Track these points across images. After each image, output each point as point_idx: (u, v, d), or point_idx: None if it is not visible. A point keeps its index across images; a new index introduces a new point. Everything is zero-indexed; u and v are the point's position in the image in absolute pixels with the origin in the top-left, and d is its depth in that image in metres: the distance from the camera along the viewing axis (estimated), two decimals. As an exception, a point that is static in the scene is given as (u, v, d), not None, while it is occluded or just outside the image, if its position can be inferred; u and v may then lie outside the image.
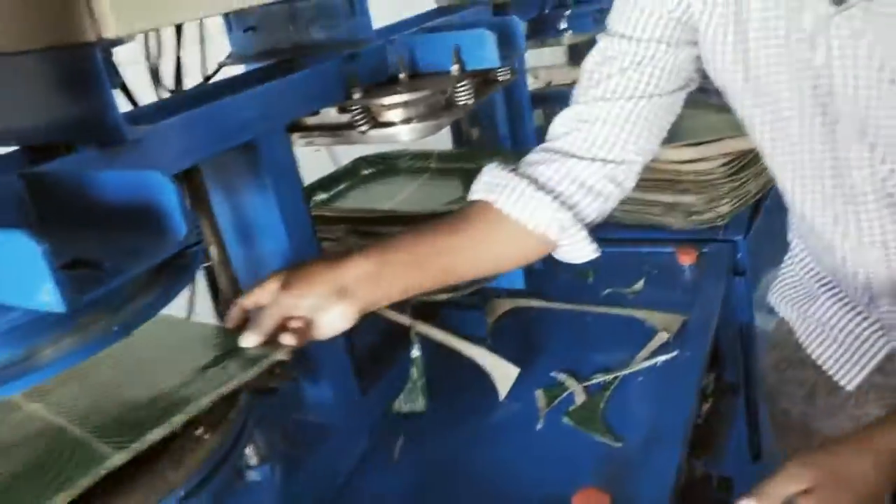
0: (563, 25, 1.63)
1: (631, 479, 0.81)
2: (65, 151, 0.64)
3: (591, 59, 0.81)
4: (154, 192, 0.50)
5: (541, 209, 0.76)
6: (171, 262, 0.54)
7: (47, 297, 0.41)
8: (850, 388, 0.91)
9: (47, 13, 0.55)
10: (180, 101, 0.83)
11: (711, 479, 1.07)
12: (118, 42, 0.68)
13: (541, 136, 1.66)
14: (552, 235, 0.78)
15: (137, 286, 0.52)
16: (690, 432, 0.95)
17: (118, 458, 0.50)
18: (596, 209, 0.80)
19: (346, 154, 1.37)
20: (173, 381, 0.58)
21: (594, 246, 0.82)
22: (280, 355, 0.64)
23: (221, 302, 0.89)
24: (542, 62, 2.00)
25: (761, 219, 1.42)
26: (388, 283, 0.73)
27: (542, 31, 1.63)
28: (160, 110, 0.78)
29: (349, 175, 1.31)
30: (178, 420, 0.54)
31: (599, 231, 1.43)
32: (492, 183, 0.79)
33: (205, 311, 0.98)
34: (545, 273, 1.23)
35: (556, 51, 2.17)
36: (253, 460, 0.69)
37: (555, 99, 1.74)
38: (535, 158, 0.80)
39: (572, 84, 1.76)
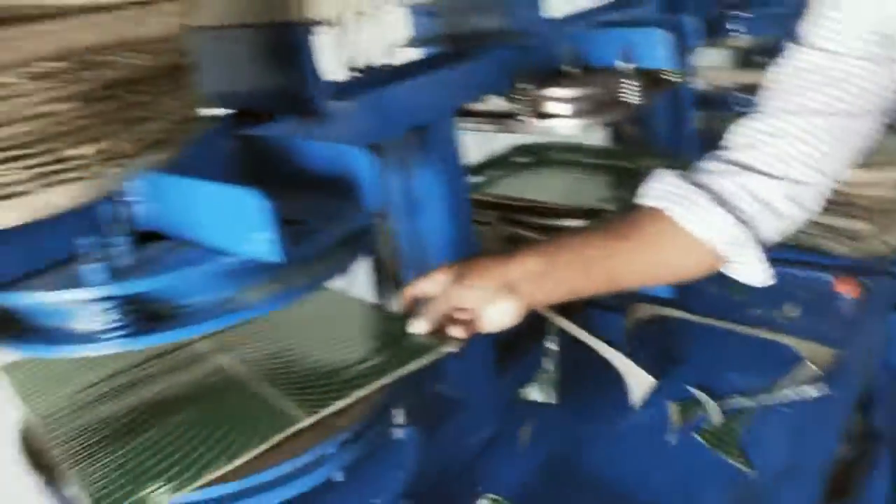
0: (732, 26, 1.56)
1: (760, 500, 0.79)
2: (265, 119, 0.70)
3: (782, 69, 0.78)
4: (355, 164, 0.55)
5: (717, 224, 0.74)
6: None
7: (266, 246, 0.46)
8: None
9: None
10: (365, 82, 0.88)
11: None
12: (320, 22, 0.73)
13: (700, 139, 1.61)
14: (726, 252, 0.75)
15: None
16: (828, 475, 0.90)
17: (308, 421, 0.55)
18: (775, 230, 0.77)
19: (501, 140, 1.39)
20: (353, 356, 0.62)
21: (770, 272, 0.77)
22: (450, 348, 0.66)
23: (382, 274, 0.93)
24: (706, 62, 1.92)
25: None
26: (555, 284, 0.73)
27: (710, 32, 1.57)
28: (347, 88, 0.83)
29: (503, 162, 1.33)
30: (360, 393, 0.58)
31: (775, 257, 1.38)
32: (666, 190, 0.77)
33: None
34: (693, 284, 1.20)
35: (721, 52, 2.08)
36: (399, 419, 0.72)
37: (718, 102, 1.67)
38: (711, 167, 0.77)
39: (737, 88, 1.69)
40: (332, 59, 0.90)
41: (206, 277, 0.52)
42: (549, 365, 1.02)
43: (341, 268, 0.57)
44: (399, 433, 0.70)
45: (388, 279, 0.79)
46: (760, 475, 0.84)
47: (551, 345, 1.02)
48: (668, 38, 1.00)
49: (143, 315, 0.50)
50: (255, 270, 0.52)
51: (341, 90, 0.83)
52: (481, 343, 0.96)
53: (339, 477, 0.63)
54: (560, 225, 1.03)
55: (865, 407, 1.25)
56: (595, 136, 1.44)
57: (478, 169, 1.29)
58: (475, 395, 0.96)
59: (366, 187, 0.55)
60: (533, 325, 1.06)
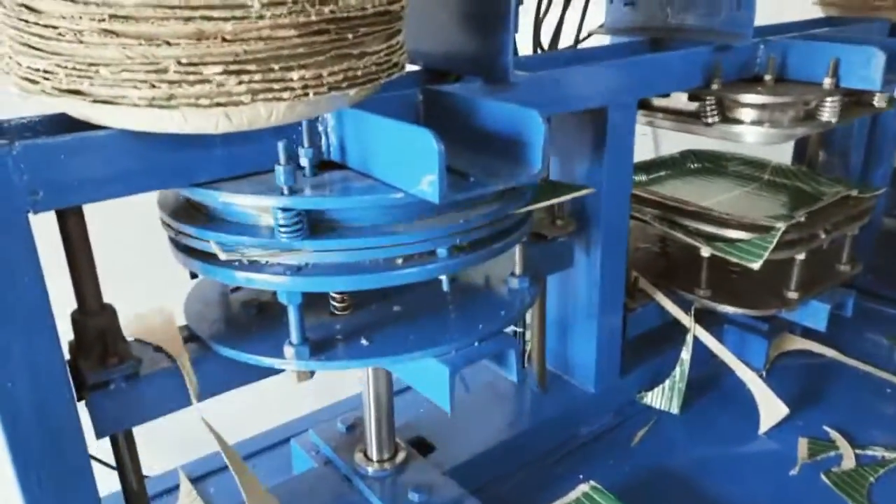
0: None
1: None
2: (454, 80, 0.74)
3: None
4: (526, 127, 0.57)
5: None
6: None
7: (429, 187, 0.50)
8: None
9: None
10: (555, 58, 0.90)
11: None
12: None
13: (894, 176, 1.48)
14: None
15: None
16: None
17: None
18: None
19: (670, 146, 1.36)
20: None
21: None
22: None
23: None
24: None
25: None
26: None
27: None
28: (538, 62, 0.85)
29: (674, 164, 1.30)
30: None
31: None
32: None
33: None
34: (851, 325, 1.12)
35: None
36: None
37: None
38: None
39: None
40: (527, 34, 0.94)
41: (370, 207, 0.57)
42: (677, 373, 1.01)
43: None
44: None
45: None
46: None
47: (684, 354, 1.00)
48: (882, 59, 0.93)
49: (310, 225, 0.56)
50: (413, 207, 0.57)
51: (529, 63, 0.85)
52: (611, 338, 0.96)
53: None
54: (720, 234, 1.00)
55: None
56: (780, 153, 1.36)
57: (646, 166, 1.27)
58: (595, 387, 0.97)
59: (533, 150, 0.58)
60: (669, 330, 1.05)
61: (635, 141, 0.92)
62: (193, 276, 0.70)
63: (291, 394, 0.98)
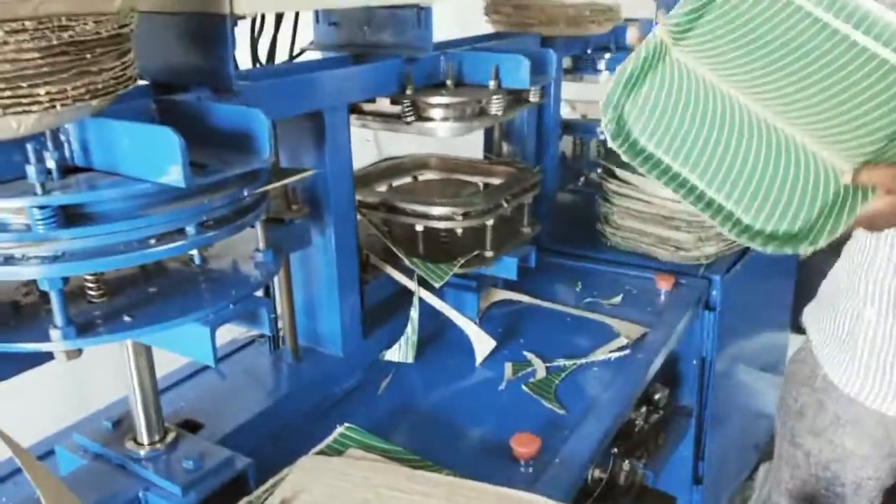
0: (601, 66, 1.82)
1: (563, 436, 1.00)
2: (182, 90, 0.86)
3: None
4: (251, 123, 0.71)
5: None
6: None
7: (176, 175, 0.62)
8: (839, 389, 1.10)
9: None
10: (273, 71, 1.05)
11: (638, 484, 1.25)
12: (242, 17, 0.89)
13: (564, 160, 1.85)
14: None
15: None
16: (627, 412, 1.13)
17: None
18: None
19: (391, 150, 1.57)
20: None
21: None
22: None
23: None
24: (584, 97, 2.19)
25: (742, 266, 1.58)
26: None
27: (582, 69, 1.83)
28: (258, 75, 0.99)
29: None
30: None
31: (593, 251, 1.62)
32: None
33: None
34: (538, 274, 1.42)
35: (597, 87, 2.37)
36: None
37: (583, 129, 1.94)
38: None
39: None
40: (246, 50, 1.07)
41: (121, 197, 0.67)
42: (409, 330, 1.21)
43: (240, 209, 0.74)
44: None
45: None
46: (570, 414, 1.06)
47: (413, 313, 1.21)
48: (527, 64, 1.22)
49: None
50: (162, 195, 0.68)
51: (250, 75, 0.99)
52: (349, 307, 1.13)
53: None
54: (429, 213, 1.23)
55: (674, 385, 1.51)
56: (474, 149, 1.65)
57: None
58: (344, 350, 1.14)
59: (259, 141, 0.72)
60: (400, 297, 1.25)
61: (362, 147, 1.10)
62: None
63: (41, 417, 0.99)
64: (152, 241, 0.68)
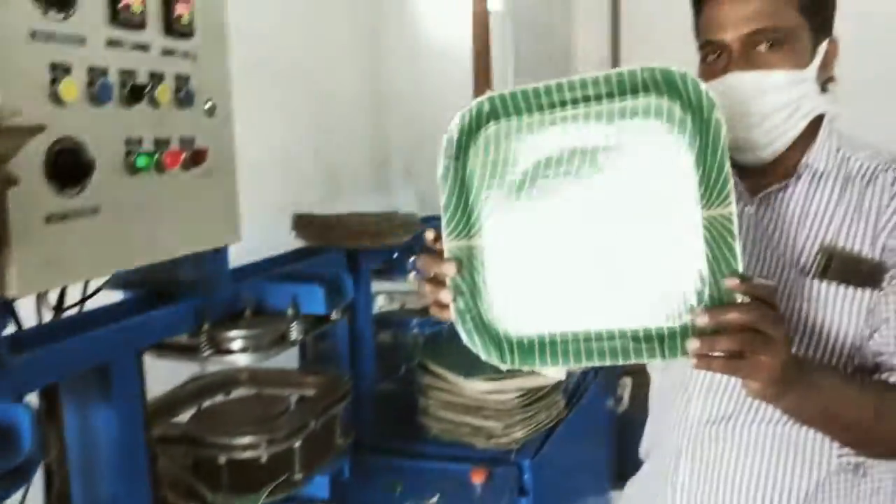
0: (409, 266, 1.98)
1: None
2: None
3: None
4: (14, 418, 0.73)
5: None
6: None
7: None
8: None
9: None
10: (58, 326, 1.06)
11: None
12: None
13: (382, 356, 1.94)
14: None
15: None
16: None
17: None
18: None
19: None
20: None
21: None
22: None
23: (53, 498, 1.06)
24: (400, 288, 2.34)
25: (550, 445, 1.70)
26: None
27: (391, 270, 1.97)
28: (39, 335, 1.00)
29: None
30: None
31: (417, 443, 1.67)
32: None
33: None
34: (356, 481, 1.45)
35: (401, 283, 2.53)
36: None
37: (399, 324, 2.06)
38: None
39: (422, 309, 2.08)
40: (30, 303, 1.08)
41: None
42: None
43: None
44: None
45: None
46: None
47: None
48: (322, 293, 1.31)
49: None
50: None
51: (32, 335, 1.00)
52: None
53: None
54: (232, 444, 1.24)
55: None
56: (288, 358, 1.70)
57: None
58: None
59: (22, 436, 0.73)
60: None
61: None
62: None
63: None
64: None
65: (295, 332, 1.29)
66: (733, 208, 0.80)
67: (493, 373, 1.70)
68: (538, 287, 0.92)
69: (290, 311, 1.31)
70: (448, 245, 0.94)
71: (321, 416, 1.35)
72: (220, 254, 1.26)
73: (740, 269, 0.79)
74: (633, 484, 1.27)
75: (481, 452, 1.65)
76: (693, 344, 0.77)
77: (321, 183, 2.36)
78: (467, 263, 0.94)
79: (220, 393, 1.48)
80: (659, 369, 1.16)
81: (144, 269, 1.25)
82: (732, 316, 0.76)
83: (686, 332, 0.80)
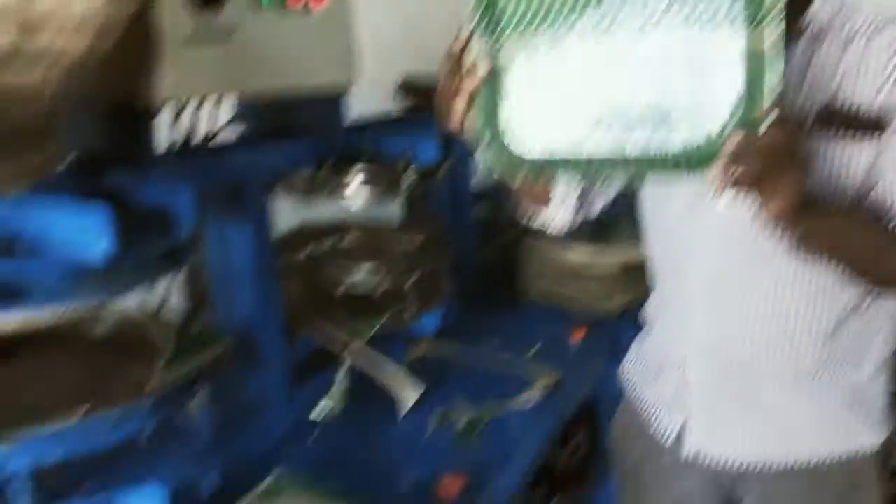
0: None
1: (487, 476, 1.08)
2: (108, 170, 0.94)
3: None
4: (176, 199, 0.80)
5: None
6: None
7: (101, 251, 0.70)
8: (668, 444, 1.13)
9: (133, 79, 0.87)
10: (194, 149, 1.14)
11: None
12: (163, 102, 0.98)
13: (481, 220, 1.96)
14: None
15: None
16: (545, 454, 1.20)
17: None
18: None
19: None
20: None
21: None
22: None
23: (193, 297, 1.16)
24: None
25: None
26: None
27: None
28: (179, 154, 1.08)
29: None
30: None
31: (511, 307, 1.72)
32: None
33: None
34: (458, 330, 1.51)
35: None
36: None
37: (500, 194, 2.07)
38: None
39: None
40: (170, 129, 1.16)
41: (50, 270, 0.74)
42: (335, 387, 1.27)
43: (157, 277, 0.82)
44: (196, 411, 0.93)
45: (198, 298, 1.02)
46: (490, 457, 1.13)
47: (340, 372, 1.28)
48: (437, 146, 1.34)
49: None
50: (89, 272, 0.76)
51: (171, 154, 1.08)
52: (279, 362, 1.20)
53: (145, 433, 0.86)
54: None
55: (595, 426, 1.60)
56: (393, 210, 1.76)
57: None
58: (272, 408, 1.19)
59: (182, 218, 0.81)
60: (324, 355, 1.32)
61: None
62: None
63: None
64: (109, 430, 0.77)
65: (408, 181, 1.33)
66: (777, 37, 0.78)
67: (595, 241, 1.72)
68: (564, 101, 0.86)
69: (404, 161, 1.35)
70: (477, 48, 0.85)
71: (429, 263, 1.40)
72: (338, 98, 1.30)
73: (777, 90, 0.78)
74: (641, 347, 1.28)
75: (578, 317, 1.68)
76: (720, 163, 0.77)
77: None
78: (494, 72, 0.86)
79: (329, 239, 1.56)
80: (662, 236, 1.14)
81: (268, 108, 1.32)
82: (759, 138, 0.77)
83: (714, 151, 0.81)
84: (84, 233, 0.71)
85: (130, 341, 0.99)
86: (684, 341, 1.10)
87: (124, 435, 0.80)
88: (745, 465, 1.06)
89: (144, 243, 0.79)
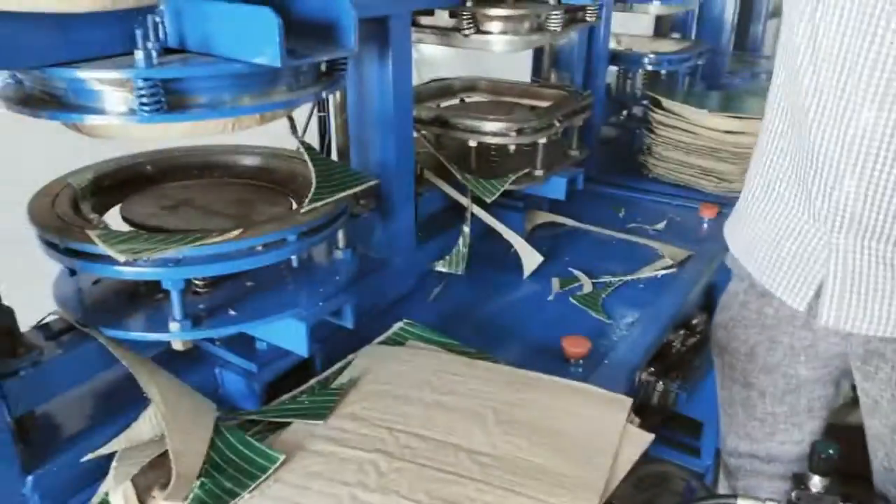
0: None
1: (610, 342, 1.05)
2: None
3: None
4: (340, 14, 0.74)
5: None
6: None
7: (272, 55, 0.65)
8: (801, 308, 1.00)
9: None
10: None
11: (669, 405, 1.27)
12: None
13: (608, 92, 1.84)
14: None
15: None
16: (670, 326, 1.17)
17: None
18: None
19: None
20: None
21: None
22: None
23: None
24: (630, 31, 2.17)
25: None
26: None
27: (627, -1, 1.82)
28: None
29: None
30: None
31: (636, 181, 1.64)
32: None
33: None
34: (583, 199, 1.44)
35: (643, 23, 2.34)
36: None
37: (630, 60, 1.92)
38: None
39: (649, 53, 1.93)
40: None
41: (217, 77, 0.70)
42: (460, 243, 1.24)
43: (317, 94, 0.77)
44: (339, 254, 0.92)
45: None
46: (616, 324, 1.10)
47: (465, 227, 1.24)
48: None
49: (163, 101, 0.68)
50: (255, 77, 0.71)
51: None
52: (405, 217, 1.16)
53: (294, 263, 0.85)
54: (480, 128, 1.24)
55: (711, 314, 1.54)
56: (521, 73, 1.66)
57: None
58: (398, 259, 1.17)
59: (345, 32, 0.75)
60: (452, 212, 1.28)
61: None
62: (73, 272, 0.83)
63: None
64: (259, 248, 0.77)
65: (554, 22, 1.22)
66: None
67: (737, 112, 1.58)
68: None
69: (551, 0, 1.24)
70: None
71: (564, 122, 1.31)
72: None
73: None
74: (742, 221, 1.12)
75: (707, 195, 1.58)
76: None
77: None
78: None
79: (457, 96, 1.48)
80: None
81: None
82: None
83: None
84: (251, 36, 0.66)
85: (278, 176, 0.97)
86: (829, 207, 0.93)
87: (273, 260, 0.78)
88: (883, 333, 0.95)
89: (310, 50, 0.74)
